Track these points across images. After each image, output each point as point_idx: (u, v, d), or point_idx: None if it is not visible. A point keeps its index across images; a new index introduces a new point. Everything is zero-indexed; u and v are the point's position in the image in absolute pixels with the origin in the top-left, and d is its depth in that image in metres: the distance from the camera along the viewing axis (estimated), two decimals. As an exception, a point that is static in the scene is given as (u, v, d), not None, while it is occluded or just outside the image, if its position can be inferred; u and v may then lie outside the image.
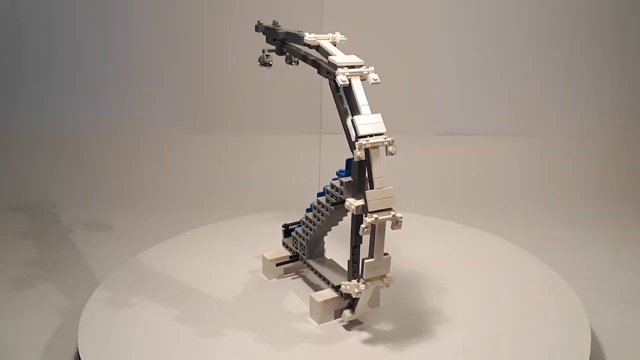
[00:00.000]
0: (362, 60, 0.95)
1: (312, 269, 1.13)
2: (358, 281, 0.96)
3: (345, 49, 1.00)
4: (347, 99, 0.94)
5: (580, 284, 1.21)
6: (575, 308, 1.07)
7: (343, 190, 0.97)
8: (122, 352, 0.96)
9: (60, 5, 1.89)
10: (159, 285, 1.16)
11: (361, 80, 0.94)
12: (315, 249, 1.14)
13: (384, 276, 0.96)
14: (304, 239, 1.14)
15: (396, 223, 0.92)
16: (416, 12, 1.92)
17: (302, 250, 1.16)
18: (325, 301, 1.02)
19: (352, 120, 0.91)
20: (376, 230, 0.92)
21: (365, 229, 0.91)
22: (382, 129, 0.92)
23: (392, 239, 1.31)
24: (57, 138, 1.94)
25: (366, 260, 0.94)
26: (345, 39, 1.03)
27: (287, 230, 1.20)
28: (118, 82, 1.94)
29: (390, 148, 0.92)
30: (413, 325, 1.02)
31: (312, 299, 1.04)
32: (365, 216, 0.91)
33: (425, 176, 1.87)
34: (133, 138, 1.92)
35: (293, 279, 1.18)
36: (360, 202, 0.92)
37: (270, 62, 1.11)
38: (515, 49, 1.96)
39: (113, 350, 0.96)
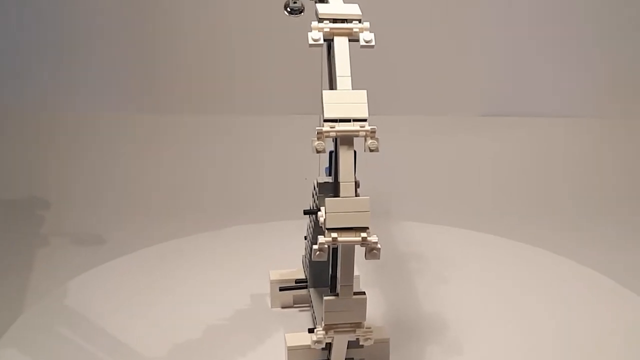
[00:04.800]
0: (359, 13, 0.67)
1: (310, 301, 0.85)
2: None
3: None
4: (328, 66, 0.67)
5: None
6: None
7: (317, 195, 0.69)
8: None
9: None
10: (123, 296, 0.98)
11: (350, 40, 0.66)
12: (322, 275, 0.86)
13: (358, 325, 0.67)
14: (306, 260, 0.87)
15: (370, 251, 0.62)
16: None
17: (306, 274, 0.88)
18: (296, 347, 0.75)
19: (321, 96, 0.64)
20: (340, 257, 0.64)
21: (318, 253, 0.62)
22: (362, 114, 0.63)
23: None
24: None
25: (325, 297, 0.66)
26: None
27: None
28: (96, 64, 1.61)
29: (369, 142, 0.63)
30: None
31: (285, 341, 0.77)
32: (323, 234, 0.63)
33: (472, 164, 1.49)
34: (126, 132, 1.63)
35: (301, 311, 0.91)
36: None
37: (300, 9, 0.82)
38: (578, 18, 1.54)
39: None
